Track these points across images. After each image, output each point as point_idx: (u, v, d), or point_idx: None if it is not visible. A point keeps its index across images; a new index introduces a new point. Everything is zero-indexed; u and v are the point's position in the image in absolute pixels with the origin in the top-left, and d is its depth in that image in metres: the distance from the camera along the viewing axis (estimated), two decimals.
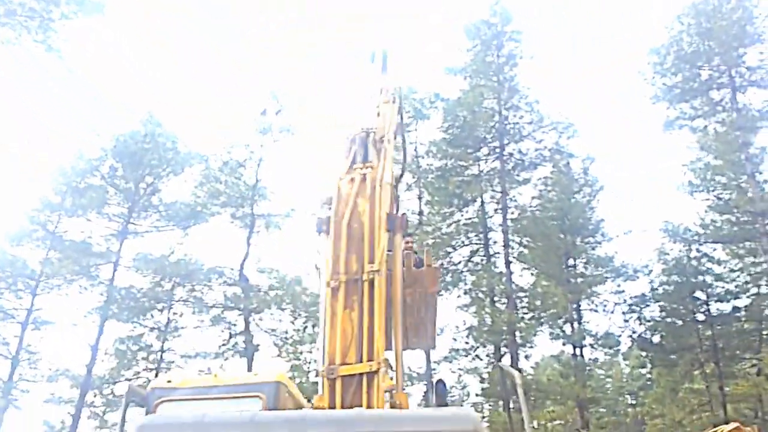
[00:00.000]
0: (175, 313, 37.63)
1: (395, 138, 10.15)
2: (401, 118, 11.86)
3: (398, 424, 4.84)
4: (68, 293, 36.45)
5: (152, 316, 37.23)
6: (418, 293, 8.86)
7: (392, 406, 5.63)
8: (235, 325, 36.93)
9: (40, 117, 58.67)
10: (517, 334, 35.03)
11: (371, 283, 6.56)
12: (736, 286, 40.64)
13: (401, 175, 11.96)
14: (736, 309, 40.26)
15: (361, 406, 5.86)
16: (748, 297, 40.17)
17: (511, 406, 33.87)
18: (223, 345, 36.45)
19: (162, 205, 39.37)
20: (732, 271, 40.77)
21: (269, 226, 38.11)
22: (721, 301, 40.74)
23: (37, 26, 24.51)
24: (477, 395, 41.36)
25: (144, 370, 36.33)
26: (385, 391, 5.80)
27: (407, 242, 9.41)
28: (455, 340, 35.84)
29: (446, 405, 8.27)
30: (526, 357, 37.21)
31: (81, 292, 36.35)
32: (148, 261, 37.16)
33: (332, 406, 6.03)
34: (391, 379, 6.06)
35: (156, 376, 35.79)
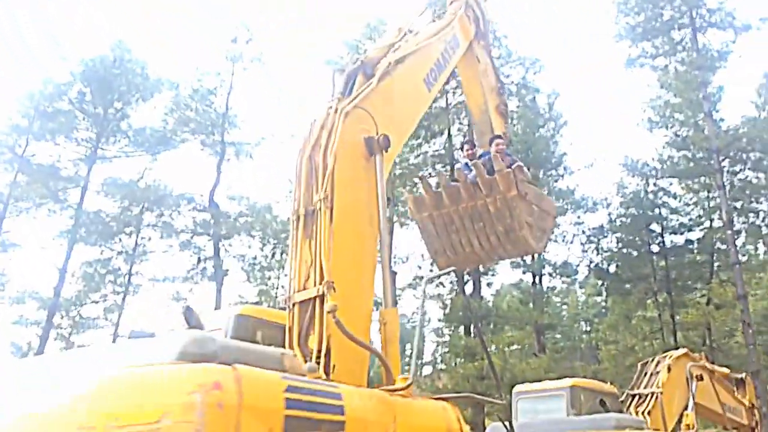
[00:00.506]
0: (143, 238, 38.16)
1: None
2: (477, 27, 10.78)
3: None
4: (36, 216, 36.71)
5: (120, 240, 37.68)
6: (498, 200, 8.75)
7: (338, 326, 5.63)
8: (203, 250, 37.58)
9: (6, 39, 57.51)
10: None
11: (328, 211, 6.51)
12: (690, 220, 42.24)
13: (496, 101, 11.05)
14: (689, 241, 41.94)
15: (313, 329, 6.01)
16: (700, 230, 41.85)
17: (471, 332, 35.19)
18: (192, 270, 37.14)
19: (131, 130, 39.32)
20: (687, 205, 42.28)
21: (239, 154, 38.51)
22: (675, 234, 42.39)
23: None
24: (439, 320, 42.73)
25: (111, 293, 36.98)
26: (327, 312, 5.81)
27: (498, 144, 9.72)
28: (420, 267, 36.88)
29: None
30: (488, 285, 38.59)
31: (49, 215, 36.60)
32: (117, 186, 37.37)
33: (290, 330, 6.19)
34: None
35: (123, 299, 36.51)
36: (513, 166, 8.95)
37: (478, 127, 11.00)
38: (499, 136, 10.14)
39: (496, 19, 40.81)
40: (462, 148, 10.48)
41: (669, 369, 17.58)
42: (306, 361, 5.74)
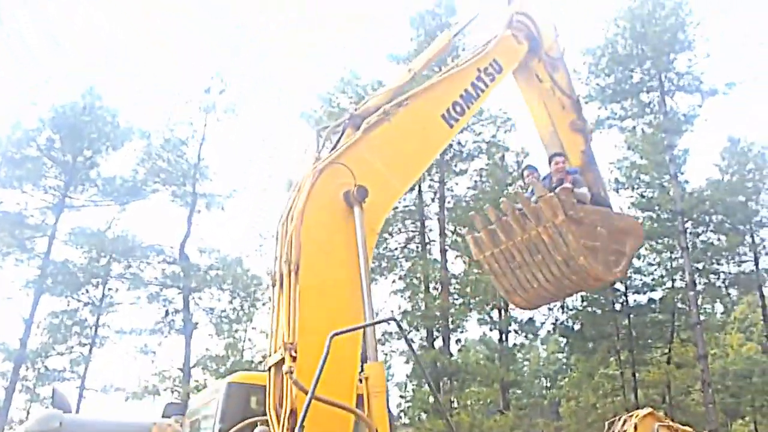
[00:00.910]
0: (110, 289, 37.53)
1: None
2: (532, 44, 9.97)
3: None
4: (2, 265, 35.94)
5: (87, 290, 36.99)
6: (549, 228, 8.17)
7: (296, 386, 5.73)
8: (172, 302, 37.11)
9: None
10: (450, 318, 36.36)
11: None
12: (652, 280, 43.05)
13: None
14: (651, 300, 42.74)
15: (283, 391, 6.08)
16: (663, 290, 42.66)
17: (441, 388, 35.33)
18: (160, 322, 36.66)
19: (100, 179, 38.90)
20: (650, 264, 43.10)
21: (211, 205, 38.31)
22: (638, 293, 43.15)
23: None
24: (407, 376, 42.66)
25: (77, 344, 36.25)
26: (285, 373, 5.91)
27: (557, 163, 9.33)
28: (389, 324, 36.90)
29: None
30: (457, 341, 38.79)
31: (16, 264, 35.84)
32: (85, 235, 36.81)
33: (268, 393, 6.35)
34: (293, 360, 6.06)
35: (90, 351, 35.84)
36: (557, 189, 8.49)
37: (548, 150, 10.23)
38: (558, 154, 9.68)
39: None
40: (522, 176, 9.99)
41: (635, 428, 18.03)
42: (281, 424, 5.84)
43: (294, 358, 6.07)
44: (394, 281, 37.67)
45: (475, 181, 41.20)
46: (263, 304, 37.88)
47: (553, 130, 10.08)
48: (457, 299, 37.58)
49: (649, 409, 20.01)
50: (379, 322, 5.91)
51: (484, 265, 9.28)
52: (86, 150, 38.75)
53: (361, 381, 6.33)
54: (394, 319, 5.79)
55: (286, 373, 5.94)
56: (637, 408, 38.92)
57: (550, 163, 9.59)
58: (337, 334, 5.79)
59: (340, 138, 7.86)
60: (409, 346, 6.43)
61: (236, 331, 37.79)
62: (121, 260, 37.11)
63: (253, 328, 37.93)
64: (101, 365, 37.58)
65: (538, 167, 10.00)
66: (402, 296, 37.36)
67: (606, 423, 19.91)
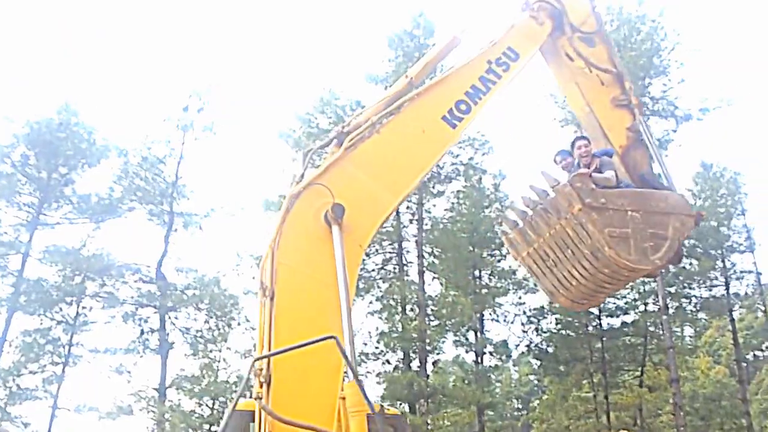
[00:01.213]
0: (84, 308, 37.02)
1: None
2: (557, 22, 9.26)
3: None
4: None
5: (61, 309, 36.42)
6: (570, 220, 7.56)
7: (265, 410, 5.81)
8: (147, 321, 36.75)
9: None
10: (426, 340, 36.41)
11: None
12: (625, 303, 43.61)
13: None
14: (624, 324, 43.30)
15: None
16: (635, 313, 43.24)
17: (417, 410, 35.31)
18: (135, 342, 36.23)
19: (75, 196, 38.40)
20: (623, 288, 43.57)
21: (188, 225, 38.07)
22: (612, 316, 43.71)
23: None
24: (381, 397, 42.53)
25: (50, 363, 35.60)
26: (254, 399, 5.96)
27: (579, 147, 8.71)
28: (365, 344, 36.91)
29: None
30: (434, 363, 38.84)
31: None
32: (60, 254, 36.29)
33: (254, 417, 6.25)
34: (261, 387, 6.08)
35: (63, 370, 35.30)
36: (572, 175, 7.93)
37: (588, 132, 9.46)
38: (581, 138, 9.05)
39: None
40: (555, 161, 9.00)
41: None
42: None
43: (268, 384, 6.07)
44: (371, 302, 37.73)
45: (453, 203, 41.52)
46: (239, 324, 37.67)
47: (589, 110, 9.31)
48: (433, 320, 37.66)
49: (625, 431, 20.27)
50: (317, 341, 5.77)
51: (525, 267, 8.68)
52: (61, 167, 38.29)
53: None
54: (333, 337, 5.70)
55: (255, 399, 5.96)
56: (609, 430, 39.55)
57: (571, 147, 8.92)
58: (259, 359, 5.91)
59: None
60: (349, 365, 6.04)
61: (211, 351, 37.39)
62: (96, 279, 36.61)
63: (228, 348, 37.49)
64: (75, 384, 36.95)
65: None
66: (379, 317, 37.37)
67: None
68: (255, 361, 5.77)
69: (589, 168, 8.39)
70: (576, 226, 7.58)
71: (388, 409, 10.17)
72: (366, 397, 5.82)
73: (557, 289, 8.12)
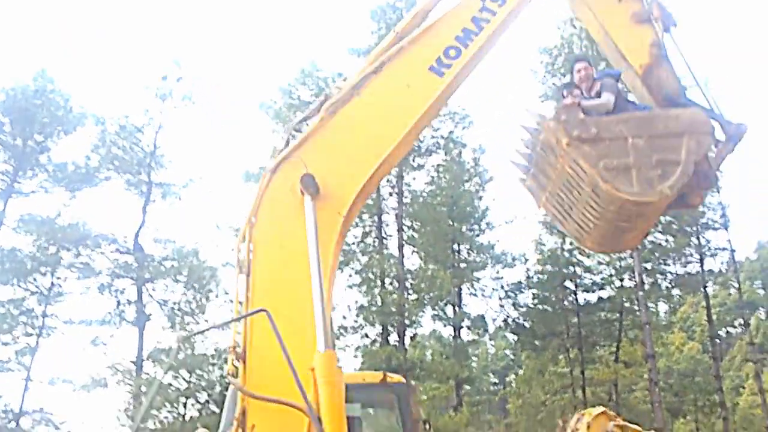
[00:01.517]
0: (59, 278, 36.51)
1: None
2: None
3: None
4: None
5: (35, 279, 35.92)
6: (564, 157, 6.88)
7: (237, 388, 5.95)
8: (123, 293, 36.37)
9: None
10: (405, 315, 36.44)
11: None
12: (602, 279, 43.95)
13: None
14: (600, 299, 43.65)
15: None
16: (612, 289, 43.58)
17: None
18: (110, 313, 35.89)
19: (51, 164, 37.88)
20: (600, 263, 43.89)
21: (167, 195, 37.69)
22: (588, 292, 44.04)
23: None
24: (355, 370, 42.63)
25: (23, 335, 35.18)
26: (224, 376, 6.32)
27: (579, 71, 7.84)
28: (344, 318, 36.88)
29: None
30: (412, 337, 38.89)
31: None
32: (35, 223, 35.77)
33: None
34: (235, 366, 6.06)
35: (37, 342, 34.91)
36: (558, 107, 7.23)
37: (609, 58, 8.41)
38: (579, 59, 8.21)
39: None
40: (563, 96, 8.02)
41: (588, 427, 18.29)
42: None
43: (244, 361, 6.07)
44: (350, 275, 37.58)
45: (432, 177, 41.41)
46: (217, 297, 37.44)
47: (604, 33, 8.10)
48: (412, 294, 37.67)
49: (602, 408, 20.25)
50: (248, 315, 5.68)
51: (549, 215, 7.88)
52: (37, 134, 37.65)
53: None
54: (264, 310, 5.62)
55: (228, 375, 6.02)
56: (585, 405, 39.92)
57: (571, 72, 8.14)
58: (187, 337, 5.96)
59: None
60: (279, 339, 5.87)
61: (188, 324, 37.11)
62: (72, 249, 36.10)
63: (206, 321, 37.23)
64: (49, 356, 36.54)
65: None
66: (359, 290, 37.28)
67: (559, 421, 20.07)
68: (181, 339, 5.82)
69: (590, 92, 7.69)
70: (571, 162, 6.85)
71: (391, 377, 10.04)
72: (302, 391, 5.61)
73: (581, 233, 7.37)
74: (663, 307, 51.97)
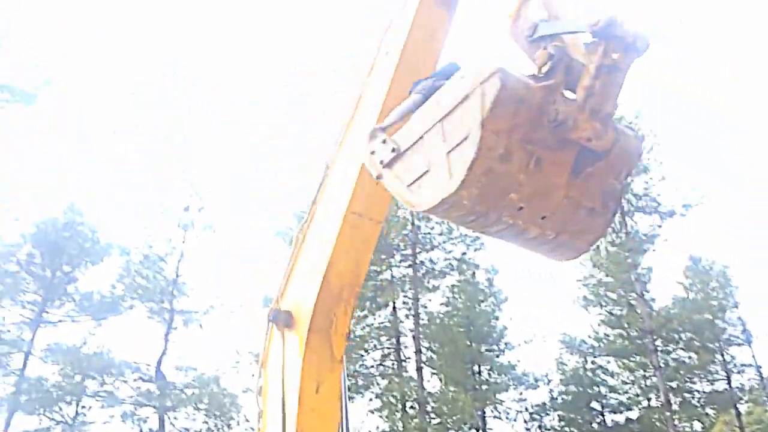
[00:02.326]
0: (83, 407, 36.97)
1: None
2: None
3: None
4: None
5: (60, 408, 36.44)
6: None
7: None
8: (146, 421, 36.61)
9: None
10: None
11: None
12: (628, 399, 43.33)
13: None
14: (629, 420, 42.86)
15: None
16: (639, 409, 42.85)
17: None
18: None
19: (78, 294, 39.13)
20: (624, 383, 43.41)
21: (188, 322, 38.46)
22: (615, 413, 43.34)
23: None
24: None
25: None
26: None
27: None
28: None
29: None
30: None
31: None
32: (61, 352, 36.67)
33: None
34: None
35: None
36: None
37: None
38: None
39: None
40: None
41: None
42: None
43: None
44: (371, 399, 37.56)
45: (448, 298, 41.90)
46: (238, 424, 37.53)
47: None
48: (434, 418, 37.41)
49: None
50: None
51: None
52: (65, 265, 39.10)
53: None
54: None
55: None
56: None
57: None
58: None
59: None
60: None
61: None
62: (96, 377, 36.76)
63: None
64: None
65: None
66: (379, 415, 37.14)
67: None
68: None
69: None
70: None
71: None
72: None
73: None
74: (698, 426, 50.67)
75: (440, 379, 39.99)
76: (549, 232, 4.61)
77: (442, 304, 41.46)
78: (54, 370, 36.74)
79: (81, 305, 38.85)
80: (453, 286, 41.55)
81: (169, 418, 36.48)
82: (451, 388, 38.74)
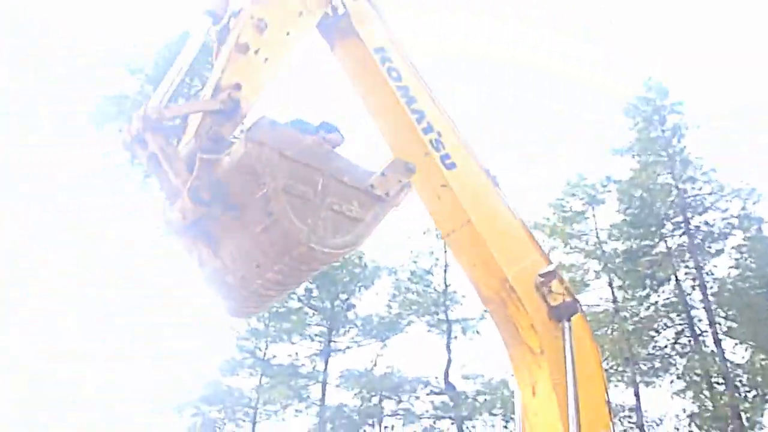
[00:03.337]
0: (386, 427, 38.29)
1: None
2: None
3: None
4: (284, 417, 37.90)
5: (365, 431, 38.00)
6: None
7: None
8: None
9: None
10: (743, 416, 33.25)
11: None
12: None
13: None
14: None
15: None
16: None
17: None
18: None
19: (358, 319, 40.69)
20: None
21: (466, 330, 38.53)
22: None
23: None
24: None
25: None
26: None
27: None
28: (677, 430, 34.52)
29: None
30: None
31: (296, 415, 37.71)
32: (354, 376, 38.22)
33: None
34: None
35: None
36: None
37: None
38: None
39: (700, 153, 39.68)
40: None
41: None
42: None
43: None
44: (671, 381, 35.37)
45: (736, 260, 38.32)
46: None
47: None
48: (748, 391, 34.43)
49: None
50: None
51: None
52: (341, 294, 40.72)
53: None
54: None
55: None
56: None
57: None
58: None
59: None
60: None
61: None
62: (392, 397, 37.92)
63: None
64: None
65: None
66: (684, 397, 34.84)
67: None
68: None
69: None
70: None
71: None
72: None
73: None
74: None
75: (746, 348, 36.69)
76: None
77: (730, 267, 37.91)
78: (351, 395, 38.42)
79: (364, 329, 40.36)
80: (739, 245, 37.91)
81: (467, 427, 36.74)
82: (761, 356, 35.45)
